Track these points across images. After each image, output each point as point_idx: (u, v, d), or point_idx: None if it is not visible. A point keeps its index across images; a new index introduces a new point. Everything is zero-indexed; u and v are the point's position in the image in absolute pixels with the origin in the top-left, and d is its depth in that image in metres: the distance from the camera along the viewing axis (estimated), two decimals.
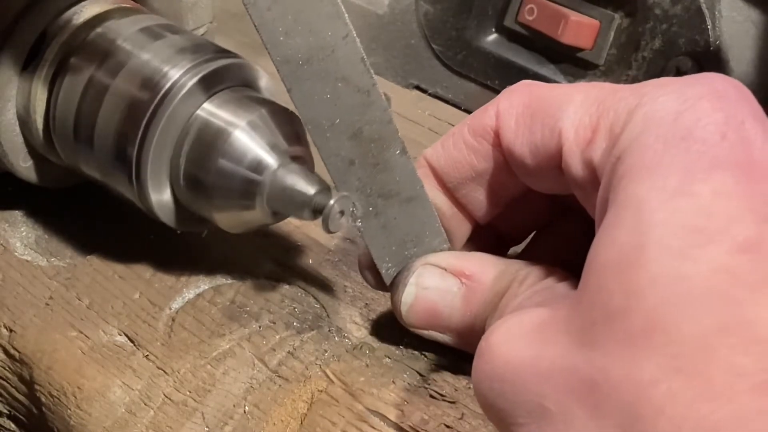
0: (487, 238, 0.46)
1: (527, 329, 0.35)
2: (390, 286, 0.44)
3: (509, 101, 0.41)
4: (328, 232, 0.43)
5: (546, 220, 0.46)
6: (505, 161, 0.42)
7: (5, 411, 0.52)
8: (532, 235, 0.47)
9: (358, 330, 0.47)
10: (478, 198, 0.44)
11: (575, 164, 0.37)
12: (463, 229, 0.45)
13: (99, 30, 0.49)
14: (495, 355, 0.35)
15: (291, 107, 0.44)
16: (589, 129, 0.37)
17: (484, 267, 0.42)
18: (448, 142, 0.43)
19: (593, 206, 0.36)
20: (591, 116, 0.37)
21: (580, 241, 0.36)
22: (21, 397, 0.50)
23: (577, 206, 0.39)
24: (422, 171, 0.44)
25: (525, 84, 0.41)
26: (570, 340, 0.33)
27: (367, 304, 0.48)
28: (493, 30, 0.64)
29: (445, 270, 0.43)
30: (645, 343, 0.30)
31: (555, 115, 0.38)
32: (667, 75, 0.57)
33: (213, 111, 0.46)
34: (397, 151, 0.43)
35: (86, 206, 0.54)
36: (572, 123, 0.37)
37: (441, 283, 0.43)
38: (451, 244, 0.45)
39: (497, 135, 0.41)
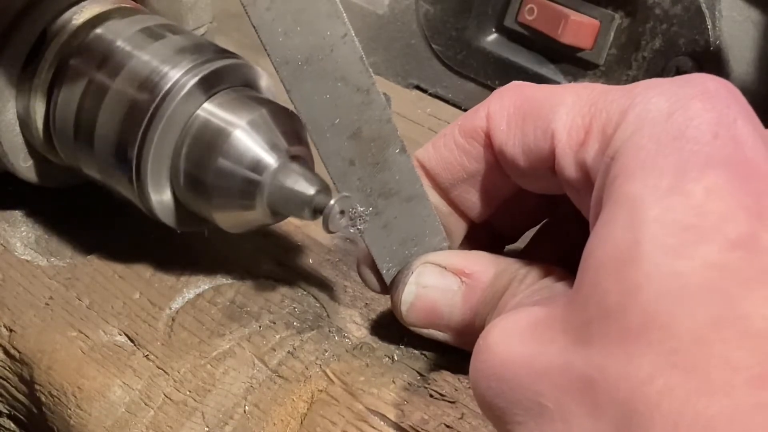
0: (483, 236, 0.46)
1: (524, 327, 0.35)
2: (390, 286, 0.44)
3: (500, 103, 0.41)
4: (329, 232, 0.43)
5: (540, 219, 0.46)
6: (496, 162, 0.42)
7: (5, 411, 0.52)
8: (533, 233, 0.47)
9: (358, 330, 0.47)
10: (471, 198, 0.44)
11: (568, 166, 0.37)
12: (459, 227, 0.45)
13: (99, 30, 0.49)
14: (492, 354, 0.35)
15: (291, 107, 0.44)
16: (582, 130, 0.37)
17: (484, 265, 0.42)
18: (439, 143, 0.43)
19: (587, 207, 0.37)
20: (583, 118, 0.37)
21: (580, 240, 0.36)
22: (21, 397, 0.50)
23: (573, 205, 0.39)
24: None
25: (515, 85, 0.41)
26: (566, 338, 0.33)
27: (367, 304, 0.48)
28: (493, 30, 0.64)
29: (445, 269, 0.43)
30: (641, 340, 0.30)
31: (547, 116, 0.38)
32: (667, 75, 0.57)
33: (213, 111, 0.46)
34: (397, 150, 0.43)
35: (86, 206, 0.54)
36: (564, 125, 0.37)
37: (441, 281, 0.43)
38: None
39: (488, 136, 0.41)
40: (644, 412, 0.30)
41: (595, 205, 0.35)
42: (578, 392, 0.32)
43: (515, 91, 0.41)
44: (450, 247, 0.45)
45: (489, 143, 0.41)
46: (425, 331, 0.44)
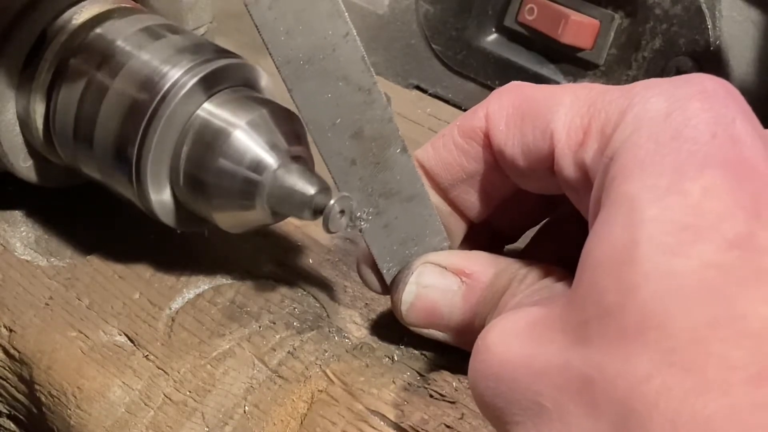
0: (483, 236, 0.46)
1: (522, 327, 0.35)
2: (390, 286, 0.44)
3: (499, 103, 0.41)
4: (329, 232, 0.43)
5: (540, 219, 0.46)
6: (495, 162, 0.42)
7: (5, 411, 0.52)
8: (533, 233, 0.47)
9: (358, 330, 0.47)
10: (470, 198, 0.44)
11: (567, 166, 0.37)
12: (458, 227, 0.45)
13: (99, 30, 0.49)
14: (491, 354, 0.35)
15: (291, 107, 0.44)
16: (581, 131, 0.37)
17: (484, 266, 0.42)
18: (438, 144, 0.43)
19: (586, 207, 0.37)
20: (582, 118, 0.37)
21: (580, 240, 0.36)
22: (21, 397, 0.50)
23: (573, 205, 0.39)
24: None
25: (514, 85, 0.42)
26: (565, 338, 0.33)
27: (367, 304, 0.48)
28: (493, 30, 0.64)
29: (446, 269, 0.43)
30: (638, 339, 0.30)
31: (546, 116, 0.38)
32: (667, 75, 0.57)
33: (213, 111, 0.46)
34: (398, 150, 0.43)
35: (86, 206, 0.54)
36: (563, 125, 0.38)
37: (441, 281, 0.43)
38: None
39: (487, 137, 0.41)
40: (642, 411, 0.30)
41: (593, 205, 0.35)
42: (576, 392, 0.32)
43: (514, 91, 0.41)
44: (450, 247, 0.45)
45: (488, 143, 0.42)
46: (425, 331, 0.44)
